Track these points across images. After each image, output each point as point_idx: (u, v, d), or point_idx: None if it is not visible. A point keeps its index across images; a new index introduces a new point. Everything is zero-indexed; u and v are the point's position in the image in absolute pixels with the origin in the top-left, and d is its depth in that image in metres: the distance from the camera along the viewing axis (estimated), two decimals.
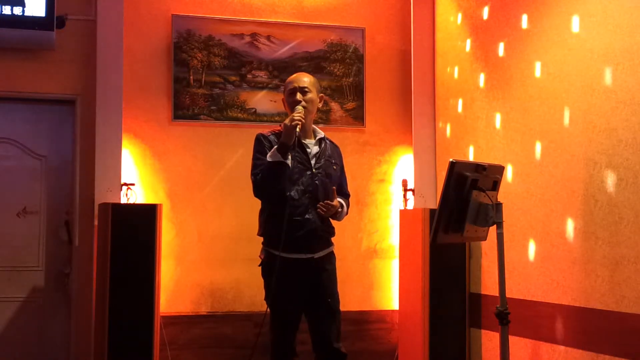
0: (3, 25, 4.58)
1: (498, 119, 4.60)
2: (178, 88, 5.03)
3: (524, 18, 4.36)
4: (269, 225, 3.66)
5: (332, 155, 3.80)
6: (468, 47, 4.96)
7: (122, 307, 4.37)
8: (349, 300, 4.78)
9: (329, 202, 3.62)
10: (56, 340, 4.84)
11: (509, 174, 4.40)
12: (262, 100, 5.18)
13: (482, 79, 4.79)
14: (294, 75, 3.84)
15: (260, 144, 3.67)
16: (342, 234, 4.46)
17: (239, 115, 5.14)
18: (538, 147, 4.20)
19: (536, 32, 4.24)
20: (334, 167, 3.79)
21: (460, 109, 5.04)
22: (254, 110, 5.17)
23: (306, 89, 3.71)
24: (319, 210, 3.60)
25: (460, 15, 5.07)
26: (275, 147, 3.57)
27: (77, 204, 4.84)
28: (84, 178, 4.83)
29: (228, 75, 5.14)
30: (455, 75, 5.11)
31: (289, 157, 3.55)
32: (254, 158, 3.67)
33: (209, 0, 5.15)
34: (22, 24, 4.59)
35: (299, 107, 3.63)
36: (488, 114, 4.71)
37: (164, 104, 5.03)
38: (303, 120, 3.58)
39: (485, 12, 4.77)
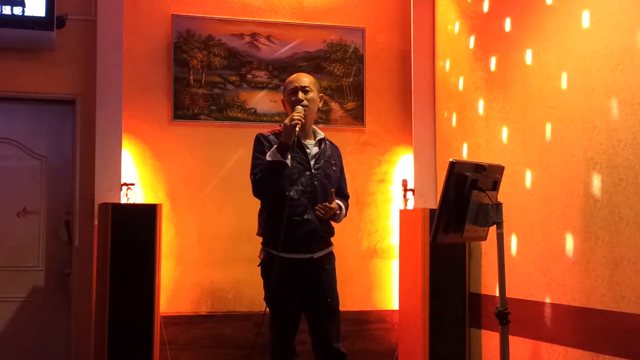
0: (3, 25, 4.58)
1: (498, 119, 4.60)
2: (178, 88, 5.03)
3: (524, 18, 4.36)
4: (268, 225, 3.66)
5: (331, 156, 3.80)
6: (468, 47, 4.96)
7: (122, 307, 4.37)
8: (349, 300, 4.77)
9: (327, 204, 3.61)
10: (56, 340, 4.84)
11: (509, 173, 4.40)
12: (262, 100, 5.18)
13: (482, 78, 4.79)
14: (294, 75, 3.84)
15: (260, 144, 3.67)
16: (342, 234, 4.46)
17: (239, 115, 5.14)
18: (538, 147, 4.20)
19: (536, 32, 4.24)
20: (334, 168, 3.79)
21: (460, 109, 5.04)
22: (254, 110, 5.17)
23: (307, 89, 3.71)
24: (317, 212, 3.60)
25: (460, 16, 5.07)
26: (275, 146, 3.57)
27: (77, 204, 4.84)
28: (84, 178, 4.83)
29: (228, 75, 5.14)
30: (455, 75, 5.11)
31: (289, 156, 3.55)
32: (254, 158, 3.67)
33: (209, 0, 5.15)
34: (22, 24, 4.59)
35: (299, 107, 3.63)
36: (488, 114, 4.71)
37: (164, 104, 5.03)
38: (303, 120, 3.58)
39: (485, 12, 4.77)
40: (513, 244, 4.32)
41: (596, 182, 3.73)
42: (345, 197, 3.87)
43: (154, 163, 4.99)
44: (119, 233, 4.40)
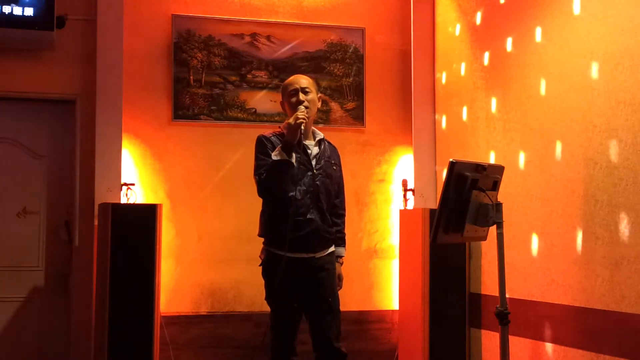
0: (3, 25, 4.57)
1: (498, 119, 4.60)
2: (178, 88, 5.03)
3: (524, 18, 4.36)
4: (270, 225, 3.66)
5: (331, 156, 3.81)
6: (468, 47, 4.96)
7: (122, 307, 4.36)
8: (349, 300, 4.77)
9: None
10: (56, 340, 4.84)
11: (509, 173, 4.39)
12: (262, 100, 5.18)
13: (482, 78, 4.79)
14: (292, 77, 3.83)
15: (263, 145, 3.67)
16: None
17: (239, 115, 5.14)
18: (538, 147, 4.20)
19: (536, 32, 4.24)
20: (334, 168, 3.80)
21: (460, 109, 5.05)
22: (254, 110, 5.17)
23: (307, 90, 3.72)
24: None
25: (460, 16, 5.07)
26: (280, 145, 3.57)
27: (77, 204, 4.84)
28: (84, 178, 4.83)
29: (228, 75, 5.14)
30: (455, 75, 5.11)
31: (294, 155, 3.56)
32: (257, 159, 3.67)
33: (209, 0, 5.15)
34: (22, 24, 4.59)
35: (302, 107, 3.64)
36: (488, 114, 4.71)
37: (164, 104, 5.03)
38: (307, 119, 3.59)
39: (485, 13, 4.78)
40: (513, 244, 4.32)
41: (596, 182, 3.74)
42: (340, 198, 3.87)
43: (154, 163, 4.99)
44: (119, 233, 4.40)
